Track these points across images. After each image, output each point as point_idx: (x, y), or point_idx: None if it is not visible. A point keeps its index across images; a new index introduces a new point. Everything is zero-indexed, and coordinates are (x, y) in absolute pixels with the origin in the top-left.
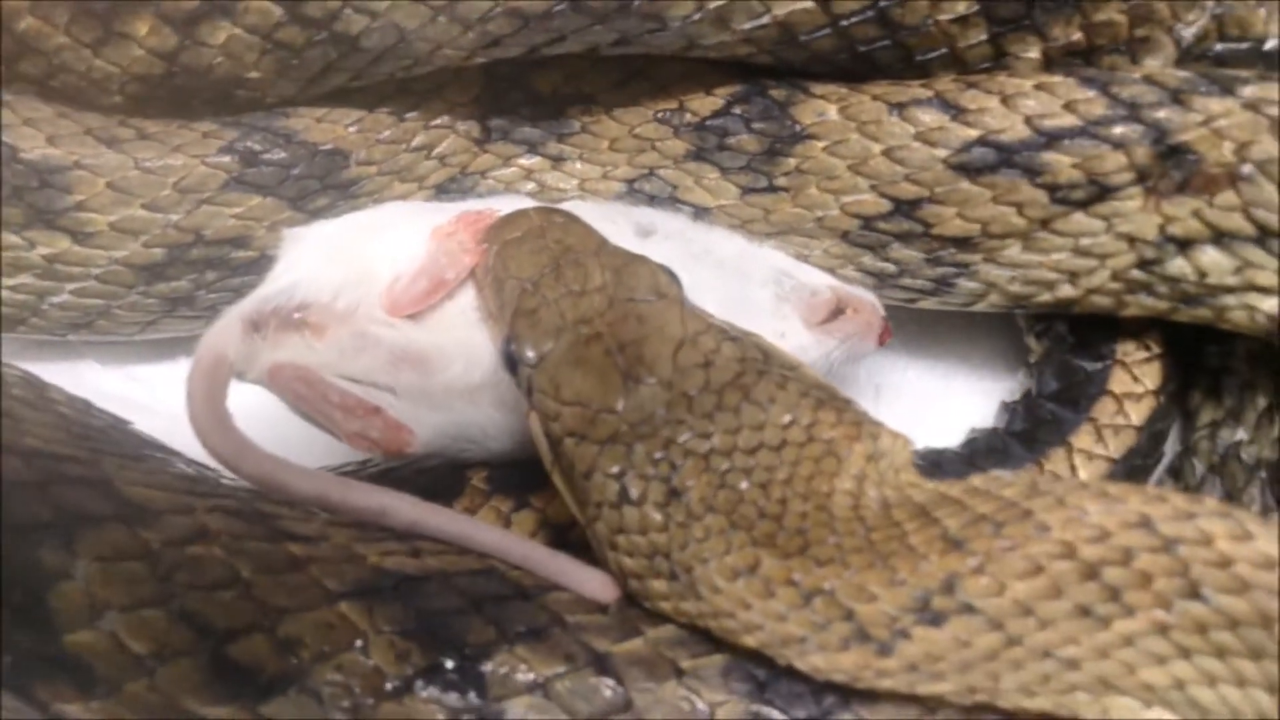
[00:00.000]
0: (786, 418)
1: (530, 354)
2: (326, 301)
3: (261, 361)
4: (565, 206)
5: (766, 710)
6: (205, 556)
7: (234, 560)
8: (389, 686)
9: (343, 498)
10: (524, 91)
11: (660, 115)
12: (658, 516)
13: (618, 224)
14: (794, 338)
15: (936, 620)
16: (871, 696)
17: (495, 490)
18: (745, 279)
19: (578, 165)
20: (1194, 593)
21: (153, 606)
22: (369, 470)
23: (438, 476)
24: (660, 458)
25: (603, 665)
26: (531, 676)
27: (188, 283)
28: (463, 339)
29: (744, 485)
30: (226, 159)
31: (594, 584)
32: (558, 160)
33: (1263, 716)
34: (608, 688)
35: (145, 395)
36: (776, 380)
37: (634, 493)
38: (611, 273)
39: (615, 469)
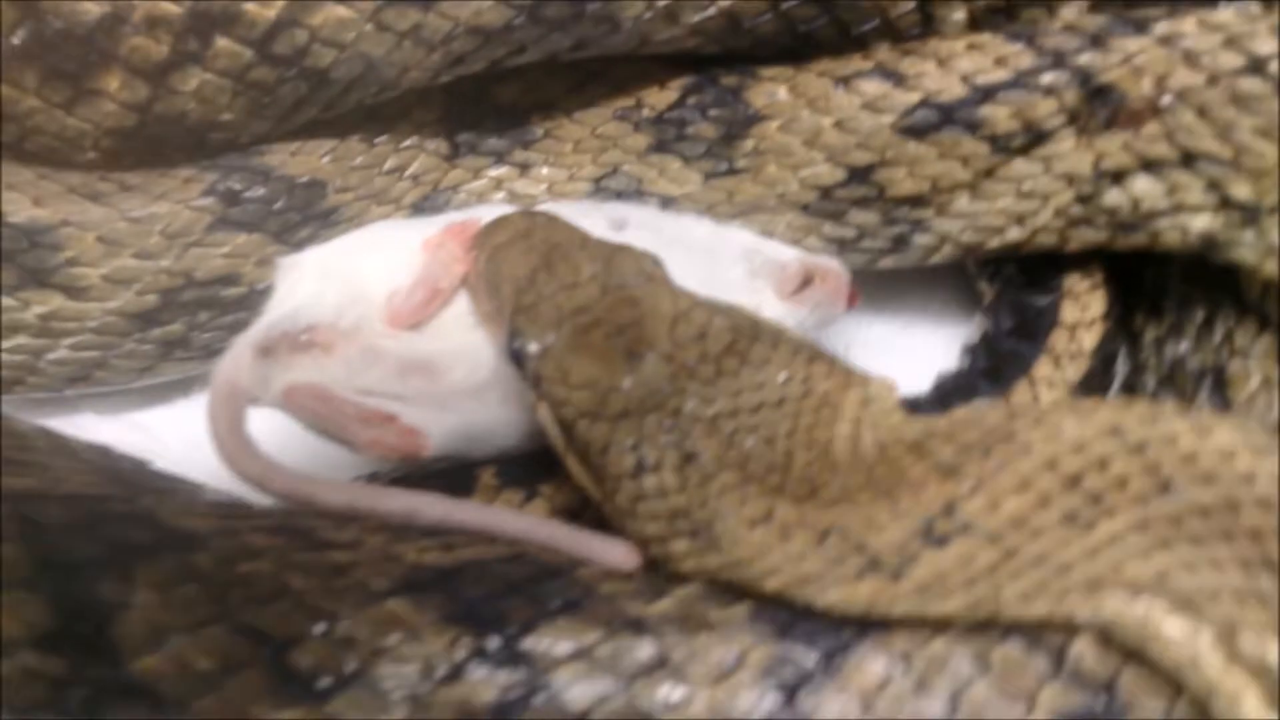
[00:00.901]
0: (783, 375)
1: (534, 347)
2: (331, 321)
3: (275, 384)
4: (540, 209)
5: (791, 649)
6: (255, 572)
7: (282, 573)
8: (442, 671)
9: (371, 504)
10: (486, 105)
11: (619, 113)
12: (675, 480)
13: (592, 220)
14: (769, 309)
15: (941, 542)
16: (885, 625)
17: (506, 484)
18: (717, 259)
19: (545, 170)
20: (1166, 488)
21: (212, 624)
22: (382, 479)
23: (449, 478)
24: (671, 425)
25: (638, 626)
26: (573, 645)
27: (181, 325)
28: (463, 342)
29: (751, 442)
30: (209, 201)
31: (617, 553)
32: (525, 167)
33: (1235, 591)
34: (645, 646)
35: (148, 440)
36: (769, 342)
37: (650, 461)
38: (601, 263)
39: (630, 441)
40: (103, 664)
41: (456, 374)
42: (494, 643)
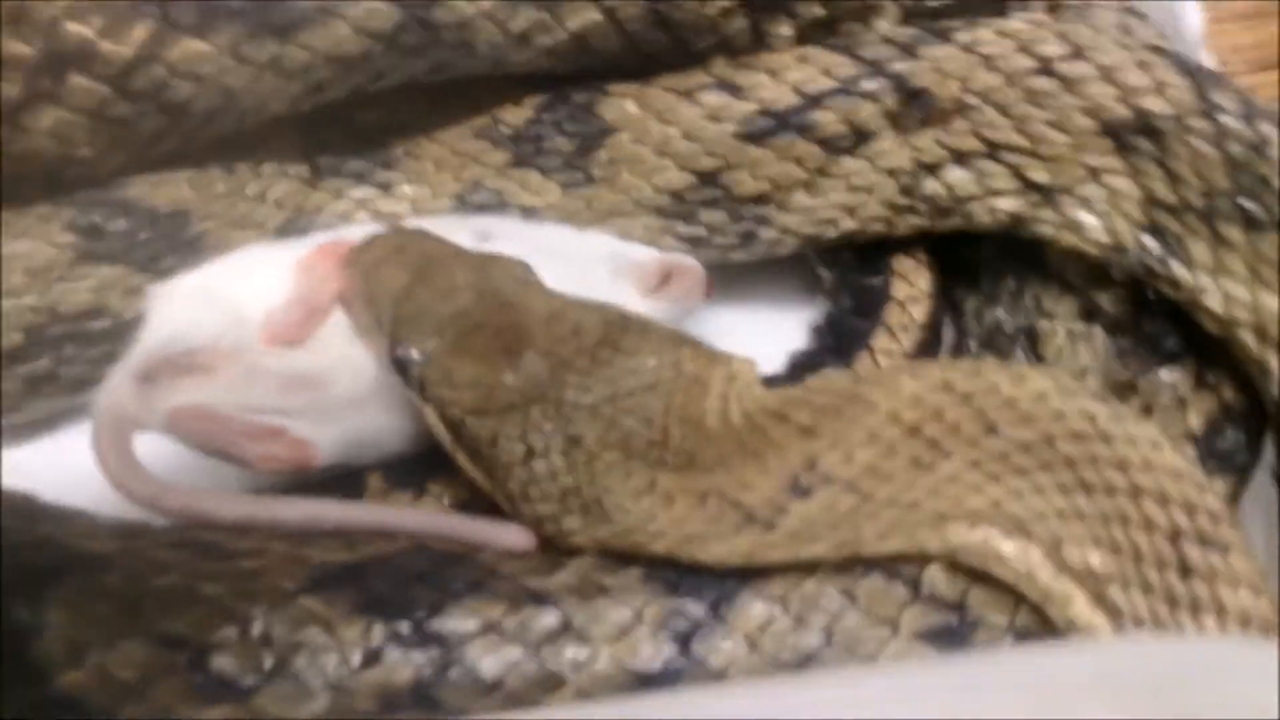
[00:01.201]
0: (653, 361)
1: (417, 354)
2: (212, 343)
3: (160, 409)
4: (406, 225)
5: (682, 602)
6: (166, 585)
7: (193, 583)
8: (358, 658)
9: (270, 513)
10: (346, 127)
11: (478, 131)
12: (562, 463)
13: (458, 233)
14: (633, 306)
15: (805, 493)
16: (763, 573)
17: (393, 486)
18: (582, 264)
19: (407, 189)
20: (993, 430)
21: (129, 637)
22: (270, 493)
23: (337, 486)
24: (554, 414)
25: (540, 598)
26: (481, 621)
27: (48, 360)
28: (344, 355)
29: (630, 422)
30: (71, 237)
31: (512, 536)
32: (387, 187)
33: (1058, 511)
34: (548, 615)
35: (17, 479)
36: (638, 332)
37: (539, 447)
38: (474, 271)
39: (517, 432)
40: (29, 684)
41: (340, 386)
42: (405, 627)
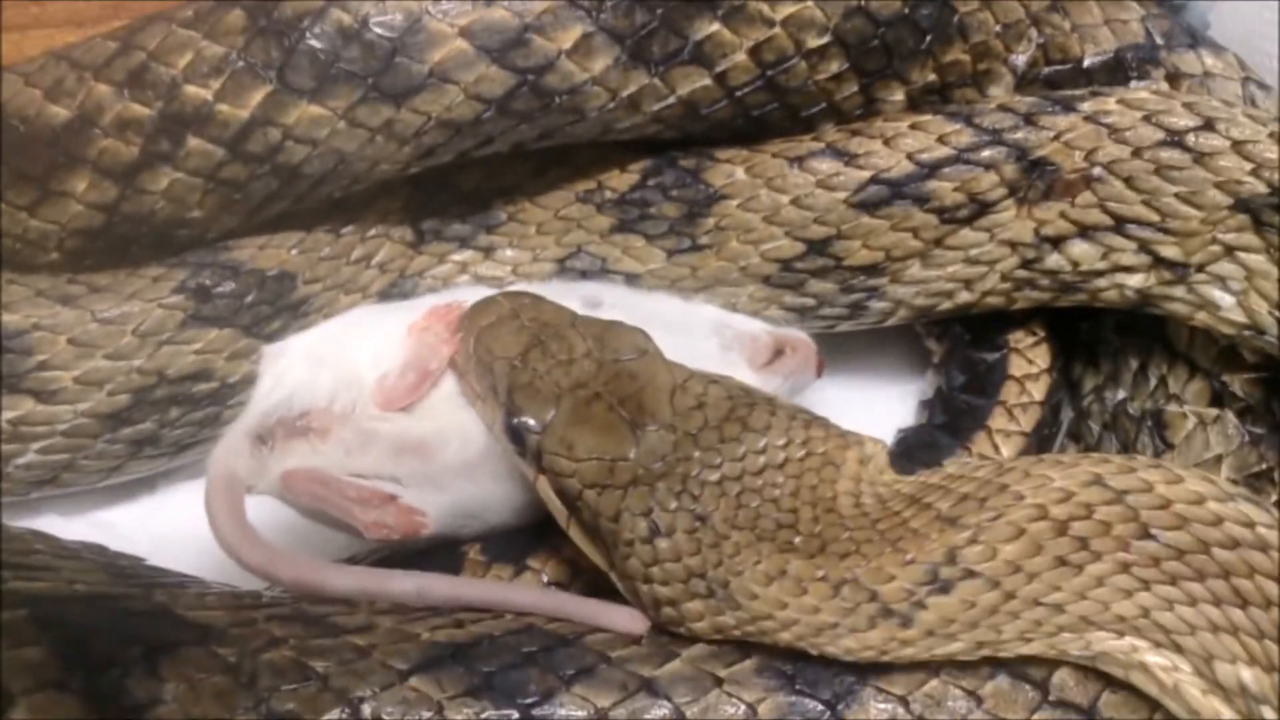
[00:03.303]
0: (782, 439)
1: (534, 423)
2: (324, 406)
3: (272, 471)
4: (514, 289)
5: (799, 699)
6: (279, 660)
7: (305, 659)
8: None
9: (380, 586)
10: (450, 191)
11: (581, 195)
12: (689, 543)
13: (567, 299)
14: (743, 381)
15: (945, 588)
16: (885, 669)
17: (493, 559)
18: (690, 334)
19: (509, 253)
20: (1145, 533)
21: (245, 713)
22: (362, 560)
23: (434, 558)
24: (680, 491)
25: (652, 688)
26: (591, 710)
27: (152, 423)
28: (453, 422)
29: (758, 502)
30: (180, 298)
31: (623, 618)
32: (489, 251)
33: (1210, 624)
34: (660, 707)
35: (114, 539)
36: (766, 409)
37: (664, 525)
38: (593, 339)
39: (642, 508)
40: None
41: (449, 453)
42: (515, 713)
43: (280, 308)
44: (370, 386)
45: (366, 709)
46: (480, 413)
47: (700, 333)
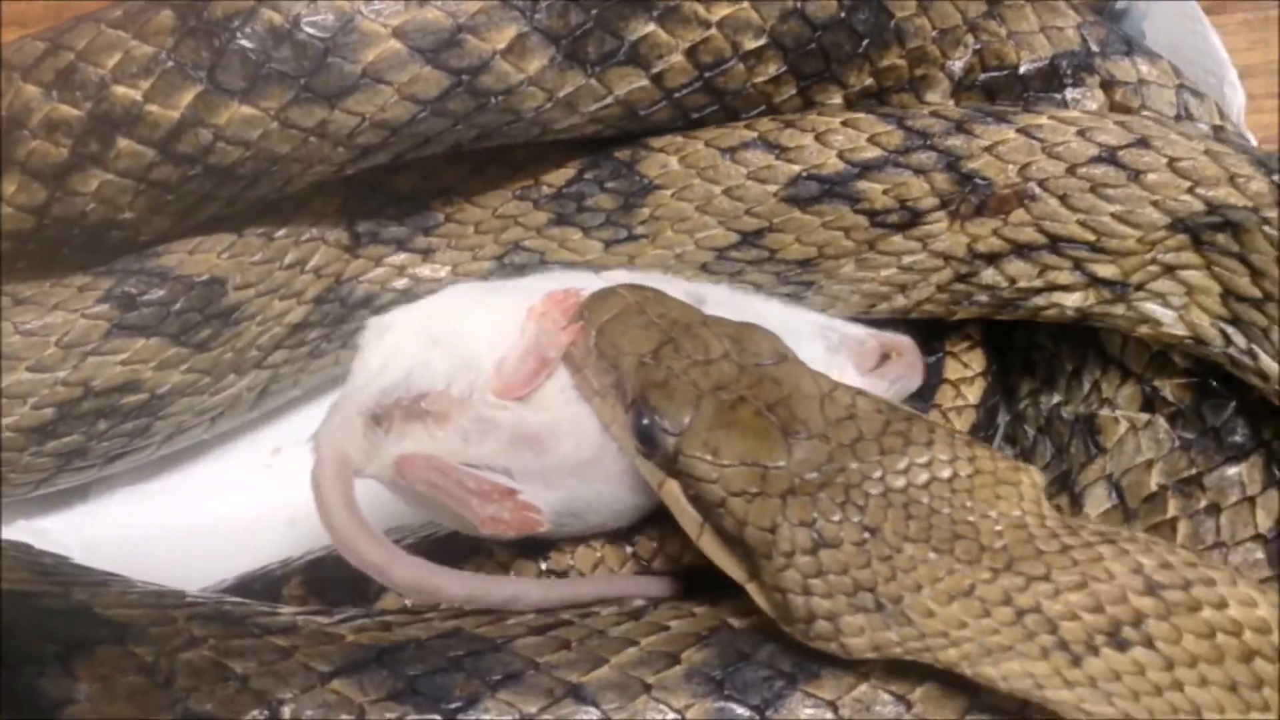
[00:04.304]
0: (948, 454)
1: (671, 425)
2: (443, 389)
3: (385, 455)
4: (611, 275)
5: (728, 705)
6: (198, 660)
7: (225, 659)
8: None
9: (486, 591)
10: (386, 194)
11: (518, 193)
12: (858, 555)
13: (671, 293)
14: (851, 384)
15: (1123, 646)
16: (814, 673)
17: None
18: (797, 337)
19: (448, 253)
20: None
21: (160, 714)
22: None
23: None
24: (844, 501)
25: (579, 694)
26: (516, 716)
27: (79, 436)
28: (569, 417)
29: (931, 515)
30: (105, 307)
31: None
32: (427, 252)
33: None
34: (587, 713)
35: (48, 546)
36: (925, 427)
37: (829, 536)
38: (730, 340)
39: (805, 518)
40: None
41: (564, 448)
42: (438, 718)
43: (210, 315)
44: (486, 370)
45: (286, 711)
46: (598, 410)
47: (806, 335)
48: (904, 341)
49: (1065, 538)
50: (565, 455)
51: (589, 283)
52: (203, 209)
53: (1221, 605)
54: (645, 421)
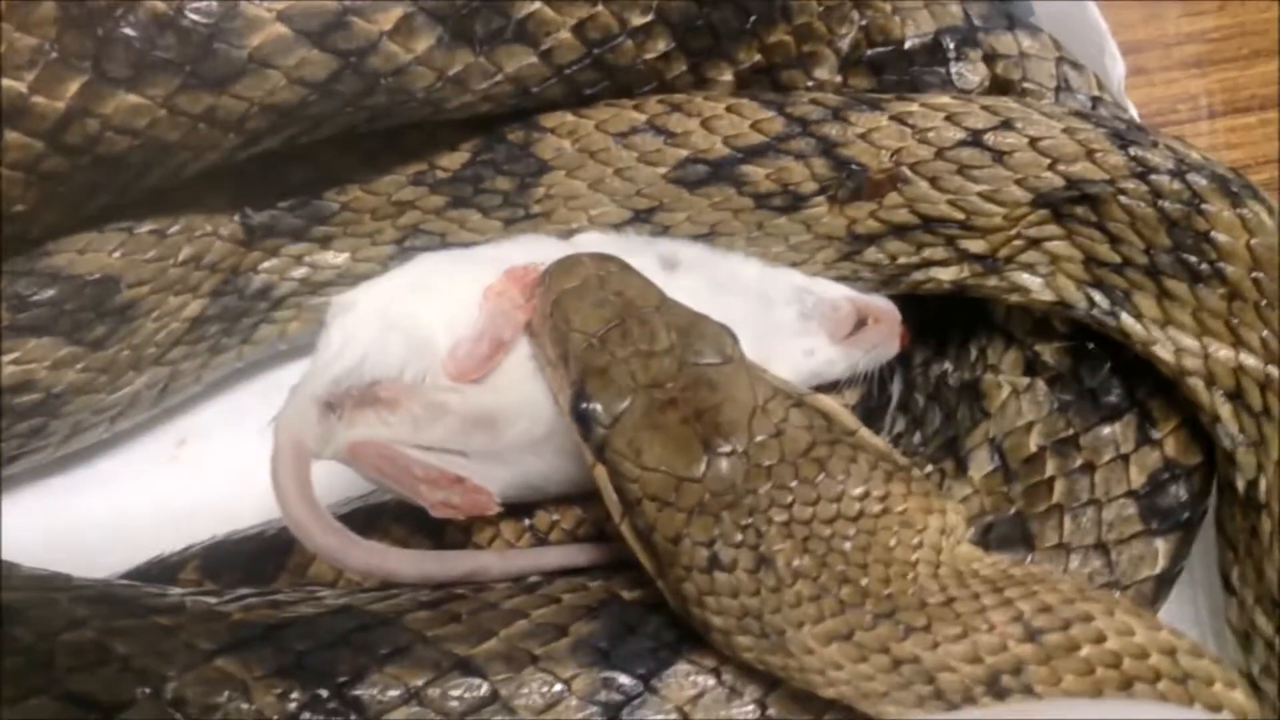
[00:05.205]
0: (860, 489)
1: (604, 414)
2: (395, 376)
3: (339, 440)
4: (583, 239)
5: (612, 673)
6: (79, 641)
7: (107, 640)
8: None
9: (444, 570)
10: (278, 186)
11: (413, 178)
12: (749, 582)
13: (643, 257)
14: (822, 353)
15: (1001, 695)
16: (699, 642)
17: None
18: (769, 302)
19: (346, 240)
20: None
21: (39, 695)
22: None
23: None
24: (746, 525)
25: (466, 666)
26: (403, 690)
27: None
28: (523, 396)
29: (825, 551)
30: None
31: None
32: (325, 241)
33: None
34: (474, 685)
35: None
36: (847, 454)
37: (725, 559)
38: (678, 333)
39: (705, 537)
40: None
41: (518, 428)
42: (324, 693)
43: (104, 313)
44: (441, 354)
45: (169, 689)
46: (549, 379)
47: (780, 300)
48: (883, 307)
49: (953, 588)
50: (519, 434)
51: (557, 251)
52: (94, 200)
53: (1099, 640)
54: (583, 405)
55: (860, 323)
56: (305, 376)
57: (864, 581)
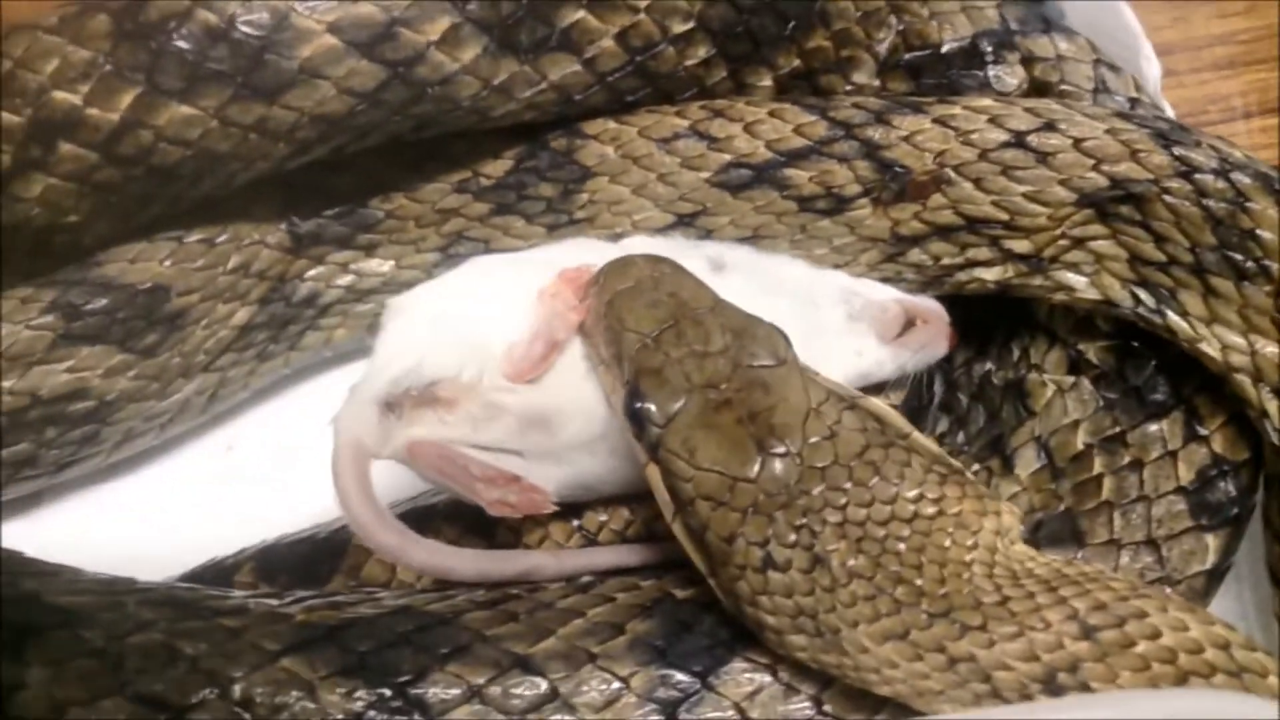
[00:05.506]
0: (914, 491)
1: (658, 414)
2: (453, 376)
3: (397, 440)
4: (630, 242)
5: (670, 671)
6: (148, 643)
7: (175, 641)
8: None
9: (500, 569)
10: (325, 195)
11: (457, 185)
12: (803, 582)
13: (690, 258)
14: (870, 354)
15: (1057, 692)
16: (754, 638)
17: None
18: (817, 303)
19: (391, 248)
20: None
21: (110, 696)
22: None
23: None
24: (800, 525)
25: (525, 665)
26: (464, 688)
27: (29, 444)
28: (578, 396)
29: (880, 552)
30: (50, 319)
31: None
32: (370, 249)
33: None
34: (534, 683)
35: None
36: (901, 457)
37: (779, 559)
38: (732, 335)
39: (759, 537)
40: None
41: (573, 428)
42: (388, 692)
43: (155, 321)
44: (497, 355)
45: (237, 689)
46: (601, 378)
47: (827, 301)
48: (932, 308)
49: (1008, 587)
50: (574, 434)
51: (608, 253)
52: (146, 210)
53: (1155, 636)
54: (637, 405)
55: (908, 323)
56: (364, 377)
57: (919, 581)
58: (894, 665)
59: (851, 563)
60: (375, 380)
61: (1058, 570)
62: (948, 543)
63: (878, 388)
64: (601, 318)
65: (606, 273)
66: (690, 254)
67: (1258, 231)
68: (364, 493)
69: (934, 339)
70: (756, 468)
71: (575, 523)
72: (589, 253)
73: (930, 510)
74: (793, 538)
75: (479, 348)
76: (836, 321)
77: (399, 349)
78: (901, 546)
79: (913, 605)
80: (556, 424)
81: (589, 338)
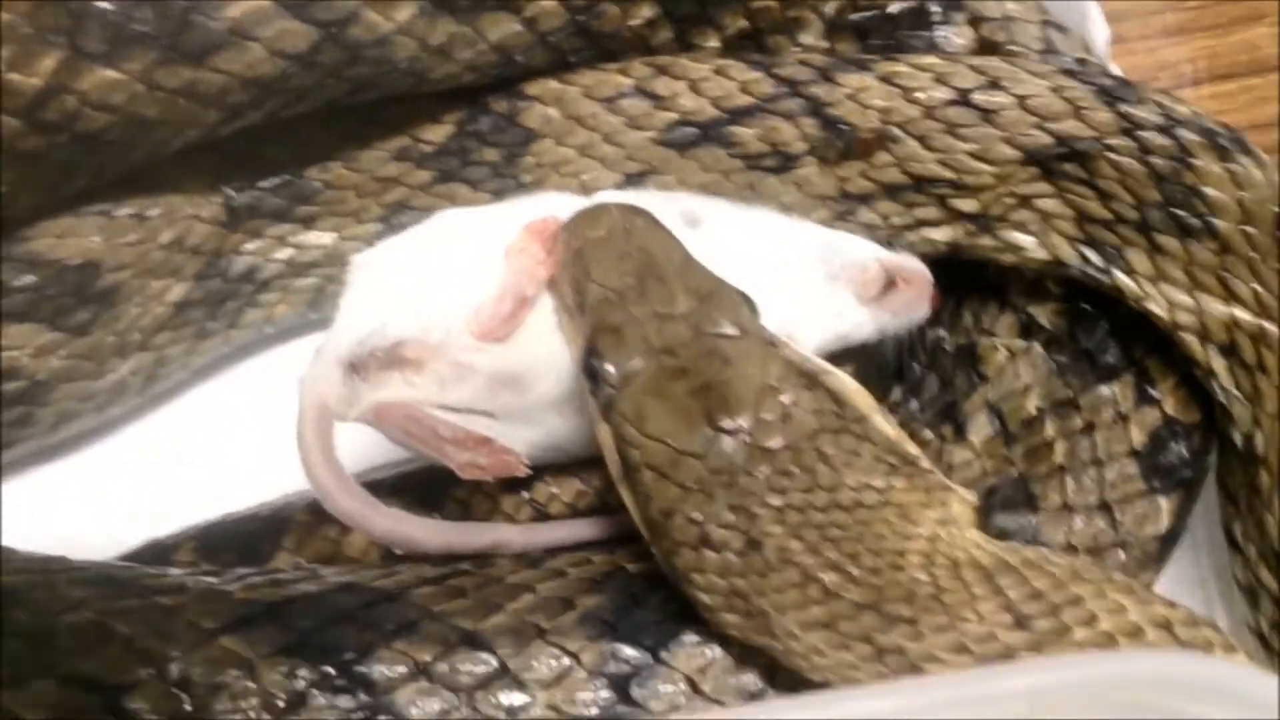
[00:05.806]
0: (859, 480)
1: (613, 373)
2: (419, 336)
3: (364, 402)
4: (602, 196)
5: (620, 645)
6: (80, 622)
7: (108, 620)
8: (283, 703)
9: (464, 540)
10: (260, 165)
11: (397, 153)
12: (738, 564)
13: (665, 212)
14: (849, 314)
15: None
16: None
17: None
18: (795, 260)
19: (330, 220)
20: None
21: (41, 677)
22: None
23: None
24: (740, 506)
25: (474, 641)
26: (411, 666)
27: None
28: (548, 353)
29: (818, 540)
30: None
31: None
32: (309, 221)
33: None
34: (482, 659)
35: None
36: (850, 444)
37: (715, 539)
38: (697, 299)
39: (697, 515)
40: None
41: (542, 387)
42: (332, 670)
43: (85, 298)
44: (465, 313)
45: (174, 670)
46: (564, 327)
47: (806, 259)
48: (914, 267)
49: (944, 579)
50: (545, 392)
51: (578, 206)
52: (72, 181)
53: (1091, 622)
54: (593, 361)
55: (889, 284)
56: (327, 338)
57: (852, 570)
58: (821, 654)
59: (786, 548)
60: (339, 341)
61: (1001, 560)
62: (886, 533)
63: (858, 351)
64: (568, 266)
65: (578, 218)
66: (665, 207)
67: (1202, 188)
68: (327, 457)
69: (914, 301)
70: (702, 442)
71: (525, 494)
72: (561, 205)
73: (872, 499)
74: (731, 518)
75: (446, 306)
76: (816, 280)
77: (363, 309)
78: (838, 534)
79: (842, 595)
80: (527, 382)
81: (557, 287)
